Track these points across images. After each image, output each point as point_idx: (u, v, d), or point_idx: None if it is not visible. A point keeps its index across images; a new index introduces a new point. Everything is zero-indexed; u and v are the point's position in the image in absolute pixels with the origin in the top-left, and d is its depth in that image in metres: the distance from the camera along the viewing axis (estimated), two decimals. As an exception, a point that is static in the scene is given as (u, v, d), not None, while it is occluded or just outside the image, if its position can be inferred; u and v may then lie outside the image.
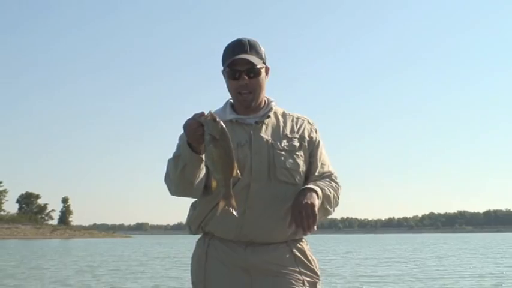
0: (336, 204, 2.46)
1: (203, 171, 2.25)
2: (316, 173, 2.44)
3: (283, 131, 2.44)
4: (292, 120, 2.51)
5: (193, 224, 2.46)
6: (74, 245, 61.18)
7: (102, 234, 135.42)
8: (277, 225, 2.34)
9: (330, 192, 2.39)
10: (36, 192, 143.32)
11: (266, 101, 2.50)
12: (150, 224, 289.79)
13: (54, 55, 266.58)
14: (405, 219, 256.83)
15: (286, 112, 2.54)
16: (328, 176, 2.47)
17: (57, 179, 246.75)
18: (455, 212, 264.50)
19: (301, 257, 2.41)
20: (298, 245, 2.42)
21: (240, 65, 2.35)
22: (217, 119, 2.06)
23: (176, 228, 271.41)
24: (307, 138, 2.47)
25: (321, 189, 2.34)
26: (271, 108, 2.47)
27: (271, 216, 2.33)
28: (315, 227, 2.26)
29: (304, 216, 2.21)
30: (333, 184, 2.45)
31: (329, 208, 2.40)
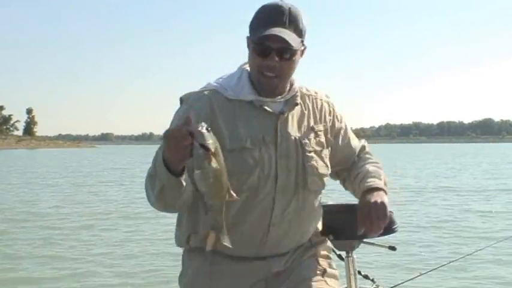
0: None
1: (188, 189, 1.74)
2: (352, 156, 2.10)
3: (308, 121, 1.97)
4: (314, 105, 2.02)
5: (193, 237, 1.94)
6: (40, 155, 65.16)
7: (67, 144, 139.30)
8: (304, 234, 2.01)
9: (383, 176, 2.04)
10: (0, 104, 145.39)
11: (289, 80, 1.96)
12: (114, 134, 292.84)
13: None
14: (362, 129, 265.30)
15: (303, 90, 2.02)
16: (367, 154, 2.13)
17: (21, 89, 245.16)
18: (410, 123, 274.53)
19: (319, 241, 2.10)
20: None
21: (273, 41, 1.81)
22: (210, 129, 1.58)
23: (141, 139, 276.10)
24: (330, 128, 2.03)
25: (385, 183, 1.99)
26: (296, 90, 1.96)
27: (297, 229, 1.96)
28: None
29: (375, 218, 1.87)
30: (379, 164, 2.10)
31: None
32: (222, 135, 1.82)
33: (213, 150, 1.56)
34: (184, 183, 1.71)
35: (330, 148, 2.01)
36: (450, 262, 3.10)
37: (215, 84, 1.92)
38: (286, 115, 1.91)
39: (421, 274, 2.88)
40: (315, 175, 1.93)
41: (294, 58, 1.86)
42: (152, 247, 8.91)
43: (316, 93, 2.05)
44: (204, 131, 1.56)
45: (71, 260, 8.03)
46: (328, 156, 1.99)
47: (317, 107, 2.02)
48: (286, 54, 1.83)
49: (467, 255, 3.77)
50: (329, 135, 2.02)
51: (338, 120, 2.07)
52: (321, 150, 1.96)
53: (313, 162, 1.92)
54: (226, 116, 1.87)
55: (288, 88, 1.94)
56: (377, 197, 1.90)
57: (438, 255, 7.84)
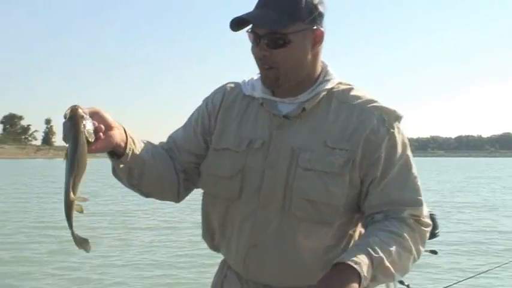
0: (414, 261, 1.52)
1: (150, 170, 1.58)
2: (372, 208, 1.53)
3: (326, 133, 1.54)
4: (351, 115, 1.55)
5: (207, 240, 1.75)
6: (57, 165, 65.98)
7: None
8: (298, 273, 1.58)
9: (396, 256, 1.44)
10: (19, 114, 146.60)
11: (321, 77, 1.60)
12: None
13: None
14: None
15: (350, 95, 1.59)
16: (395, 214, 1.51)
17: (40, 100, 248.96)
18: (428, 137, 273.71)
19: None
20: None
21: (258, 27, 1.52)
22: (76, 117, 1.32)
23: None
24: (364, 151, 1.52)
25: (372, 260, 1.39)
26: (319, 92, 1.57)
27: (287, 261, 1.57)
28: None
29: None
30: (407, 234, 1.48)
31: (391, 279, 1.48)
32: (216, 131, 1.66)
33: (66, 142, 1.36)
34: (135, 165, 1.55)
35: (353, 173, 1.52)
36: (488, 270, 3.00)
37: (244, 78, 1.70)
38: (291, 120, 1.57)
39: (458, 282, 2.78)
40: (303, 198, 1.52)
41: (289, 46, 1.51)
42: (167, 258, 8.82)
43: (365, 105, 1.57)
44: (66, 120, 1.34)
45: (85, 270, 7.97)
46: (343, 183, 1.51)
47: (355, 120, 1.55)
48: (274, 41, 1.50)
49: (504, 264, 3.66)
50: (357, 159, 1.52)
51: (382, 147, 1.53)
52: (327, 173, 1.51)
53: (304, 182, 1.52)
54: (229, 113, 1.66)
55: (311, 87, 1.58)
56: (333, 283, 1.34)
57: (474, 264, 7.72)
